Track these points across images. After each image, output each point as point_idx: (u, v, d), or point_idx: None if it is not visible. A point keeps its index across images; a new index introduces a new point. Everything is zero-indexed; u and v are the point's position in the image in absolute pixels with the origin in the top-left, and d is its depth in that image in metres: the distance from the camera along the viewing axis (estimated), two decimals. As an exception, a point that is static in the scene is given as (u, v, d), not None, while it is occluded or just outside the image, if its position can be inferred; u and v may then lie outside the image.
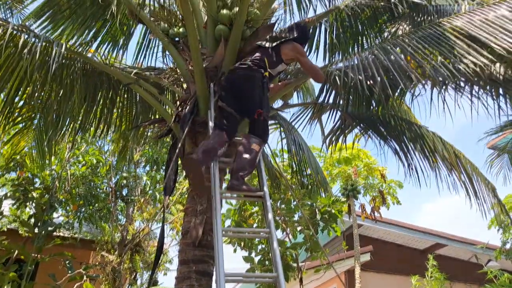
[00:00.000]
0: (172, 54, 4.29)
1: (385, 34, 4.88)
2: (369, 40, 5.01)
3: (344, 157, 10.11)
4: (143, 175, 10.47)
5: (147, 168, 10.77)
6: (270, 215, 2.88)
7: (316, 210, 6.40)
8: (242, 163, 3.03)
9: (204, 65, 3.88)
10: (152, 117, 5.41)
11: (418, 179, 4.58)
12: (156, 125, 4.91)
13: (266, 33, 3.83)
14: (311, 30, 5.11)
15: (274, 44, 3.68)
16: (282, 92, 4.33)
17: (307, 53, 5.17)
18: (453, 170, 4.55)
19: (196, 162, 3.02)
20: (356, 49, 5.02)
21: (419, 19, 4.67)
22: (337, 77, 4.44)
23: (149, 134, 5.96)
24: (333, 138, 5.13)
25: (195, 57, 3.73)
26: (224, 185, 3.85)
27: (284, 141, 5.90)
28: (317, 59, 5.30)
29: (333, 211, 6.52)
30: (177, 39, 4.30)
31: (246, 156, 3.04)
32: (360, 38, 5.03)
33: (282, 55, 3.58)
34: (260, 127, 3.15)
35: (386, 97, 4.41)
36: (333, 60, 5.09)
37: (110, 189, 10.09)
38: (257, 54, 3.57)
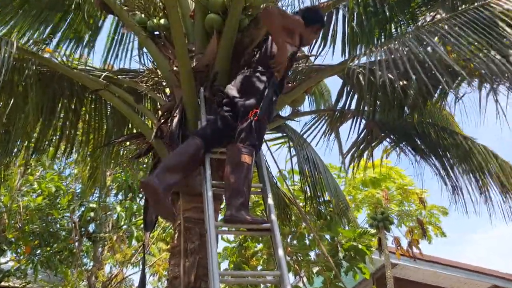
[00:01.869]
0: (151, 52, 4.31)
1: (420, 21, 4.88)
2: (399, 29, 5.02)
3: (371, 177, 10.07)
4: (116, 206, 10.44)
5: (120, 196, 10.77)
6: (280, 252, 2.84)
7: (338, 245, 6.36)
8: (234, 186, 3.01)
9: (192, 65, 3.89)
10: (127, 132, 5.43)
11: (465, 204, 4.55)
12: (132, 141, 4.93)
13: None
14: (325, 18, 5.14)
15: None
16: (290, 96, 4.35)
17: (321, 47, 5.21)
18: (510, 193, 4.52)
19: (152, 190, 2.95)
20: (383, 40, 5.02)
21: (459, 2, 4.70)
22: (360, 76, 4.44)
23: (123, 153, 5.97)
24: (357, 154, 5.11)
25: (181, 55, 3.74)
26: (220, 216, 3.84)
27: (295, 159, 5.88)
28: (334, 54, 5.33)
29: (359, 246, 6.48)
30: (157, 33, 4.32)
31: (236, 174, 3.02)
32: (388, 26, 5.04)
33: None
34: (252, 132, 3.17)
35: (423, 100, 4.41)
36: (355, 54, 5.09)
37: (73, 225, 10.04)
38: (262, 50, 3.63)
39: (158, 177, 2.98)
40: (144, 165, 7.60)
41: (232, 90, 3.46)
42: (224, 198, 3.44)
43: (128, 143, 5.22)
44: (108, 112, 5.40)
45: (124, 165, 7.32)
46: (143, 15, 4.38)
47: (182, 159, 3.14)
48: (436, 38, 3.94)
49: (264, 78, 3.42)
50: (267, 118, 3.31)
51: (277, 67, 3.52)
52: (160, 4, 4.41)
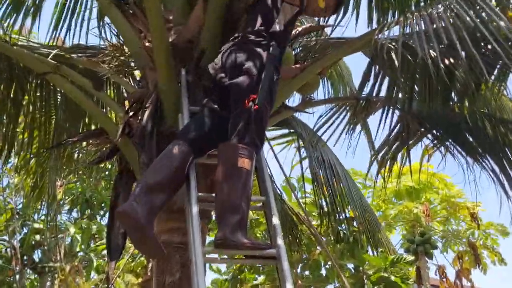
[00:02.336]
0: (116, 22, 4.31)
1: None
2: None
3: (407, 187, 10.12)
4: (69, 226, 10.43)
5: (75, 213, 10.76)
6: (289, 286, 2.86)
7: (364, 277, 6.37)
8: (228, 199, 3.01)
9: (170, 39, 3.90)
10: (84, 129, 5.40)
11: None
12: (90, 141, 4.92)
13: None
14: None
15: None
16: (299, 80, 4.35)
17: (341, 15, 5.22)
18: None
19: (132, 221, 2.94)
20: (422, 4, 4.98)
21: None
22: (392, 53, 4.45)
23: (78, 157, 5.95)
24: (388, 156, 5.10)
25: (155, 26, 3.75)
26: (209, 239, 3.85)
27: (306, 162, 5.85)
28: (357, 23, 5.30)
29: (392, 278, 6.49)
30: None
31: (230, 184, 3.02)
32: None
33: None
34: (251, 126, 3.16)
35: (476, 83, 4.41)
36: (384, 23, 5.01)
37: (12, 251, 10.03)
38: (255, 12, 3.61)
39: (138, 201, 2.96)
40: (107, 172, 7.58)
41: (216, 69, 3.44)
42: (214, 215, 3.44)
43: (85, 143, 5.22)
44: (59, 102, 5.38)
45: (80, 172, 7.31)
46: None
47: (167, 174, 3.12)
48: (493, 0, 3.97)
49: (259, 49, 3.37)
50: (269, 106, 3.29)
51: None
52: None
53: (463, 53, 3.72)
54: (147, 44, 4.03)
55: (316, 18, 5.15)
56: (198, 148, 3.25)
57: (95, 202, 10.45)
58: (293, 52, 4.89)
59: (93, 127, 5.33)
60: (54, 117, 5.39)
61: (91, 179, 8.41)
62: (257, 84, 3.21)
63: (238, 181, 3.01)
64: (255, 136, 3.15)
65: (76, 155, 5.93)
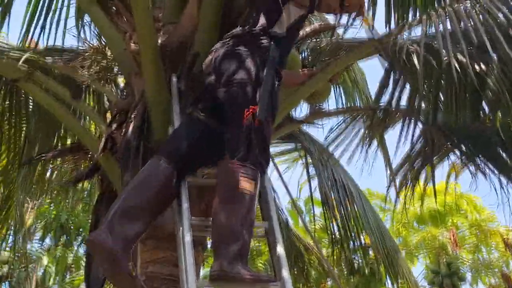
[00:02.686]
0: (98, 21, 4.31)
1: None
2: None
3: (430, 210, 10.12)
4: (42, 255, 10.36)
5: (49, 240, 10.69)
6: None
7: (383, 315, 6.35)
8: (227, 226, 2.98)
9: (159, 41, 3.91)
10: (60, 143, 5.39)
11: None
12: (67, 158, 4.93)
13: None
14: None
15: None
16: (306, 88, 4.35)
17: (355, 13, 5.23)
18: None
19: (104, 251, 2.93)
20: (447, 1, 4.87)
21: None
22: (413, 56, 4.41)
23: (52, 175, 5.91)
24: (410, 174, 5.13)
25: (143, 26, 3.76)
26: (204, 271, 3.84)
27: (315, 181, 5.87)
28: (374, 23, 5.29)
29: (415, 316, 6.45)
30: None
31: (231, 209, 2.99)
32: None
33: None
34: (252, 143, 3.12)
35: (510, 91, 4.42)
36: (404, 23, 4.95)
37: (-25, 285, 9.97)
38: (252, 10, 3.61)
39: (112, 229, 2.94)
40: (86, 193, 7.54)
41: (207, 72, 3.43)
42: (210, 243, 3.45)
43: (60, 160, 5.21)
44: (30, 113, 5.37)
45: (54, 192, 7.27)
46: None
47: (145, 197, 3.09)
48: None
49: (257, 52, 3.33)
50: (271, 118, 3.26)
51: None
52: None
53: (495, 57, 3.75)
54: (132, 46, 4.04)
55: (327, 16, 5.16)
56: (183, 165, 3.22)
57: (71, 228, 10.41)
58: (300, 56, 4.93)
59: (69, 141, 5.32)
60: (24, 129, 5.39)
61: (67, 201, 8.37)
62: (256, 92, 3.17)
63: (239, 205, 2.99)
64: (258, 155, 3.12)
65: (49, 173, 5.88)
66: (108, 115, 4.30)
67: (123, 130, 3.93)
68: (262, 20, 3.45)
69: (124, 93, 4.26)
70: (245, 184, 3.01)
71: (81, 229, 10.73)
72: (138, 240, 3.11)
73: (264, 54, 3.30)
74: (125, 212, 3.02)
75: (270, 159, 3.37)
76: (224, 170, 3.10)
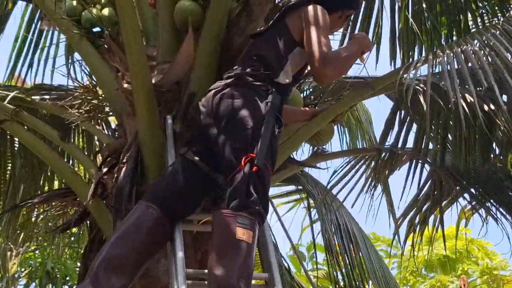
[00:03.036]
0: (88, 59, 4.30)
1: None
2: (480, 22, 5.05)
3: (440, 256, 10.08)
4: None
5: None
6: None
7: None
8: (223, 279, 2.88)
9: (154, 80, 3.87)
10: (47, 188, 5.39)
11: None
12: (54, 203, 4.75)
13: (267, 4, 3.83)
14: (363, 7, 5.17)
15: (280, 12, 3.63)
16: (308, 129, 4.28)
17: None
18: None
19: None
20: (455, 39, 5.04)
21: None
22: (420, 96, 4.43)
23: (37, 220, 5.84)
24: (418, 219, 5.09)
25: (136, 65, 3.71)
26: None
27: (317, 226, 5.87)
28: (378, 60, 5.36)
29: None
30: (97, 29, 4.33)
31: (227, 260, 2.90)
32: (462, 17, 5.08)
33: (292, 31, 3.53)
34: (250, 191, 3.02)
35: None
36: (410, 61, 5.09)
37: None
38: (253, 51, 3.52)
39: (97, 282, 2.89)
40: (73, 238, 7.44)
41: (204, 114, 3.33)
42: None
43: (46, 206, 5.05)
44: (16, 154, 5.35)
45: (40, 238, 7.19)
46: (74, 2, 4.36)
47: (131, 246, 3.03)
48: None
49: (257, 96, 3.26)
50: (270, 166, 3.18)
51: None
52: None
53: (504, 98, 3.79)
54: (125, 85, 4.01)
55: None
56: (174, 210, 3.16)
57: (58, 276, 10.28)
58: (302, 95, 4.89)
59: (56, 184, 5.31)
60: (8, 172, 5.39)
61: (53, 247, 8.33)
62: (255, 139, 3.10)
63: (236, 256, 2.89)
64: (256, 203, 3.02)
65: (34, 219, 5.85)
66: (99, 158, 4.29)
67: (115, 174, 3.88)
68: (262, 62, 3.40)
69: (116, 134, 4.21)
70: (242, 235, 2.91)
71: (67, 277, 10.55)
72: None
73: (265, 99, 3.24)
74: (111, 263, 2.97)
75: (270, 206, 3.29)
76: (219, 220, 3.00)
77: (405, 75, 4.07)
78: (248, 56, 3.53)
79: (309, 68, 4.23)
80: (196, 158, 3.28)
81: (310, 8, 3.49)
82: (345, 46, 3.74)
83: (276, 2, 3.91)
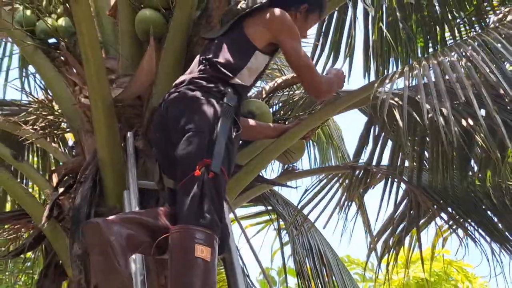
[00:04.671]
0: (43, 72, 4.29)
1: (491, 19, 4.96)
2: (457, 32, 5.11)
3: (417, 279, 10.08)
4: None
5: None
6: None
7: None
8: None
9: (113, 95, 3.84)
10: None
11: None
12: (7, 226, 4.76)
13: (226, 6, 3.87)
14: (335, 17, 5.20)
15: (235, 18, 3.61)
16: (278, 146, 4.26)
17: (328, 61, 5.22)
18: None
19: (99, 237, 2.80)
20: (430, 51, 5.10)
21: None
22: (395, 111, 4.45)
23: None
24: (393, 240, 5.11)
25: (95, 79, 3.69)
26: None
27: (288, 249, 5.86)
28: (351, 73, 5.36)
29: None
30: (52, 40, 4.32)
31: (187, 283, 2.85)
32: (438, 29, 5.12)
33: (251, 37, 3.50)
34: (205, 200, 2.99)
35: (499, 149, 4.38)
36: (384, 74, 5.15)
37: None
38: (207, 55, 3.51)
39: (111, 224, 2.83)
40: (28, 264, 7.34)
41: (157, 123, 3.38)
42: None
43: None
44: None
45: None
46: (28, 12, 4.35)
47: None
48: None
49: (210, 98, 3.24)
50: (227, 171, 3.14)
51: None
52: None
53: (482, 111, 3.78)
54: (83, 100, 4.00)
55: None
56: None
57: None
58: (271, 110, 4.88)
59: (7, 207, 5.28)
60: None
61: (6, 273, 8.22)
62: (210, 144, 3.08)
63: (194, 277, 2.84)
64: (213, 213, 2.97)
65: None
66: (54, 177, 4.16)
67: (72, 194, 3.87)
68: (222, 58, 3.39)
69: (74, 152, 4.21)
70: (201, 251, 2.87)
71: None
72: (140, 248, 2.97)
73: (220, 100, 3.23)
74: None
75: (238, 227, 3.26)
76: (176, 237, 2.94)
77: (380, 89, 4.07)
78: (198, 61, 3.50)
79: (278, 80, 4.23)
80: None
81: (275, 15, 3.48)
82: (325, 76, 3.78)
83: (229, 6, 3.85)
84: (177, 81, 3.40)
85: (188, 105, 3.19)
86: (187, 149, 3.06)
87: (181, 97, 3.24)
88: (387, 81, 4.17)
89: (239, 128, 3.26)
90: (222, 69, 3.32)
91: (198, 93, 3.23)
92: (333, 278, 5.85)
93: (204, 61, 3.41)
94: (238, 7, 3.58)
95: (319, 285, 5.78)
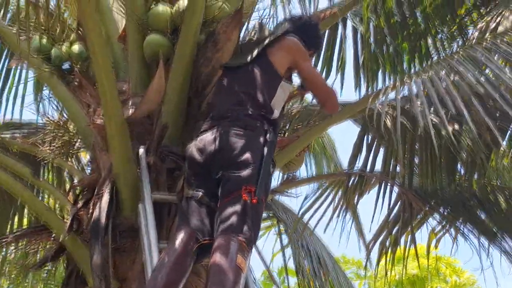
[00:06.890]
0: (59, 95, 4.33)
1: (471, 33, 4.99)
2: (440, 46, 5.12)
3: (409, 276, 10.06)
4: None
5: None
6: None
7: None
8: None
9: (125, 115, 3.90)
10: (18, 224, 5.36)
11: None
12: (27, 240, 4.72)
13: (233, 31, 3.91)
14: (326, 35, 5.30)
15: (258, 50, 3.73)
16: (281, 157, 4.37)
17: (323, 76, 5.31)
18: None
19: None
20: (417, 64, 5.03)
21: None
22: (387, 120, 4.54)
23: (8, 257, 5.84)
24: (388, 241, 5.15)
25: (108, 99, 3.74)
26: None
27: (288, 251, 5.90)
28: (343, 86, 5.49)
29: None
30: (66, 65, 4.36)
31: (223, 283, 2.95)
32: (423, 43, 5.12)
33: (276, 65, 3.67)
34: (246, 219, 3.14)
35: (485, 152, 4.49)
36: (374, 85, 5.15)
37: None
38: (242, 86, 3.62)
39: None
40: (46, 274, 7.35)
41: (206, 152, 3.44)
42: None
43: (18, 242, 4.95)
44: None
45: (12, 276, 7.10)
46: (44, 40, 4.37)
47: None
48: (499, 58, 4.09)
49: (258, 135, 3.41)
50: (265, 201, 3.33)
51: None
52: (71, 22, 4.49)
53: (468, 118, 3.77)
54: (97, 120, 4.01)
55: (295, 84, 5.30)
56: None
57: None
58: None
59: (26, 222, 5.29)
60: None
61: (26, 283, 8.15)
62: (256, 175, 3.24)
63: (231, 282, 2.95)
64: (252, 231, 3.13)
65: (7, 256, 5.82)
66: (71, 193, 4.27)
67: (90, 208, 3.87)
68: (258, 97, 3.52)
69: (90, 169, 4.21)
70: (242, 262, 3.01)
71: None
72: None
73: (263, 137, 3.39)
74: None
75: None
76: (221, 242, 3.08)
77: (373, 102, 4.18)
78: (232, 92, 3.61)
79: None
80: (206, 199, 3.37)
81: (293, 41, 3.71)
82: None
83: (245, 35, 3.96)
84: (215, 113, 3.54)
85: (241, 140, 3.33)
86: (241, 177, 3.21)
87: (234, 131, 3.37)
88: (381, 94, 4.26)
89: (275, 164, 3.49)
90: (263, 109, 3.48)
91: (246, 131, 3.37)
92: (330, 278, 5.90)
93: (238, 94, 3.55)
94: (258, 36, 3.78)
95: (316, 284, 5.80)
